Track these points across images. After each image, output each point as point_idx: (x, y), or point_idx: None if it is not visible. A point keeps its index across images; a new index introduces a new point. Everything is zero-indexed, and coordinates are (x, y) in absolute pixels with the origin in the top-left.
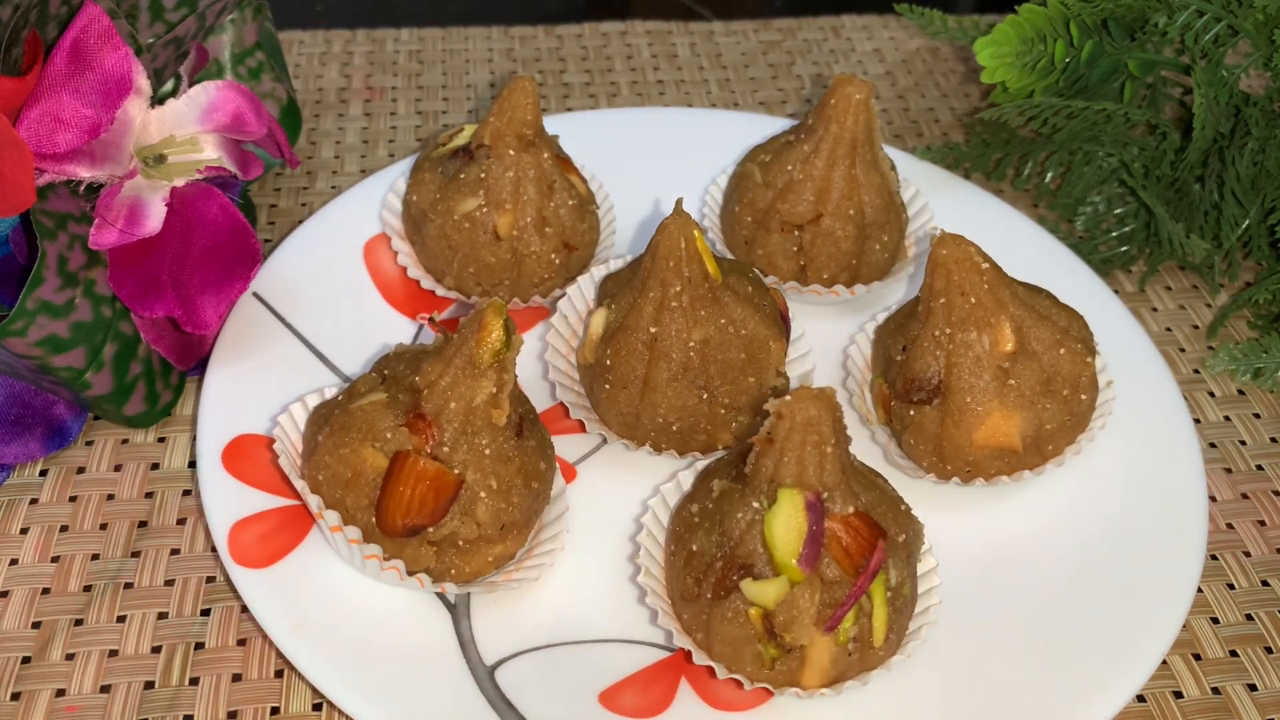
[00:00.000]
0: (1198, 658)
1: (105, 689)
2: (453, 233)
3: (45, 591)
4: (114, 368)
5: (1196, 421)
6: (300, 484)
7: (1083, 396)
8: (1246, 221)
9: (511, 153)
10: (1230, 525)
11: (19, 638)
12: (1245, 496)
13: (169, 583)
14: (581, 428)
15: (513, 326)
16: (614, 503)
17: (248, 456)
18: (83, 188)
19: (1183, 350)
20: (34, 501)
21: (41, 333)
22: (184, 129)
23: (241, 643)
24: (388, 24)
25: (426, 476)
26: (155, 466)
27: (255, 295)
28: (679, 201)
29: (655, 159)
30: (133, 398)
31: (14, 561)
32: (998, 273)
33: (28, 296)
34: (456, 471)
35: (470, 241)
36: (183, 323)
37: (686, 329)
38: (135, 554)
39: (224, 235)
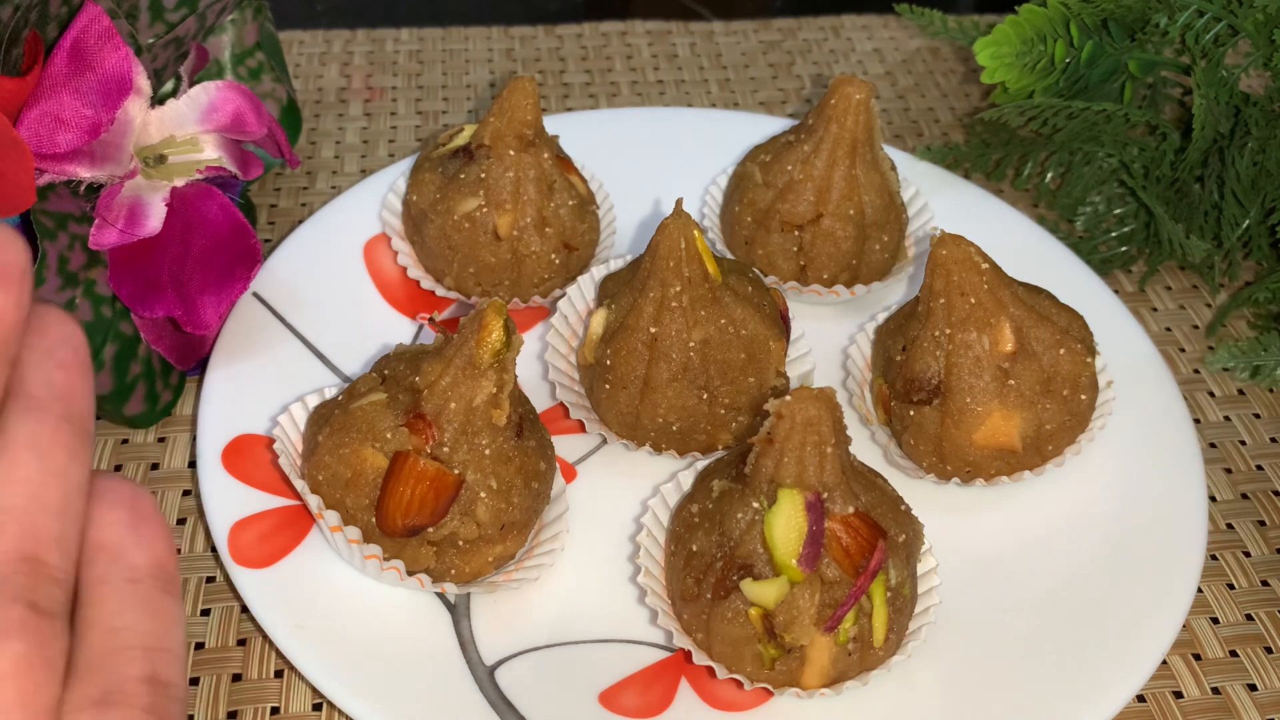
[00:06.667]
0: (1198, 658)
1: None
2: (453, 233)
3: None
4: (114, 368)
5: (1196, 421)
6: (300, 484)
7: (1083, 396)
8: (1246, 221)
9: (511, 153)
10: (1230, 525)
11: None
12: (1245, 496)
13: None
14: (581, 428)
15: (513, 326)
16: (614, 503)
17: (248, 456)
18: (83, 188)
19: (1183, 350)
20: None
21: None
22: (184, 129)
23: (241, 643)
24: (388, 24)
25: (426, 476)
26: (155, 466)
27: (255, 295)
28: (679, 201)
29: (655, 159)
30: (133, 398)
31: None
32: (998, 273)
33: None
34: (456, 472)
35: (470, 241)
36: (183, 323)
37: (686, 329)
38: None
39: (224, 235)
